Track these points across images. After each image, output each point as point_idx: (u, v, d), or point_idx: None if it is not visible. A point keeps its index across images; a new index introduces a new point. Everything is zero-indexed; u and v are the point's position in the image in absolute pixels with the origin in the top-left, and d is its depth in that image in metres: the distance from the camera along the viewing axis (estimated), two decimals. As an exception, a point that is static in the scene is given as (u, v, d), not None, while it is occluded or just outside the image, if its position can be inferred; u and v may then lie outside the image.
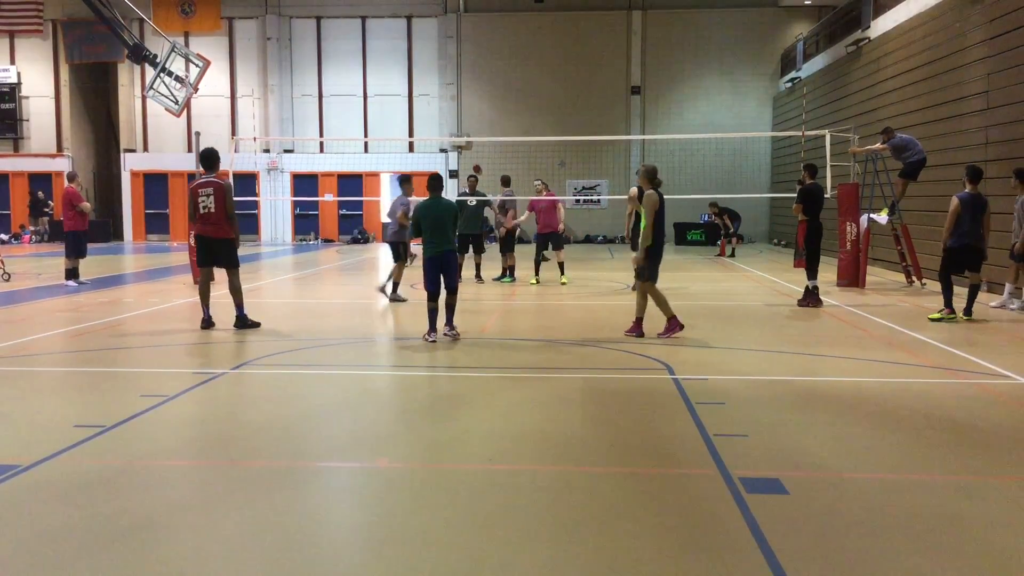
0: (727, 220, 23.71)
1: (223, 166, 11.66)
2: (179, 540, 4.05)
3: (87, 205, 15.57)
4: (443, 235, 9.49)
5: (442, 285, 9.58)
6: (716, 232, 24.60)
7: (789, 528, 4.13)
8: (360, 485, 4.97)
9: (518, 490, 4.72)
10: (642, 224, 9.65)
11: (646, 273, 9.66)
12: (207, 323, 10.26)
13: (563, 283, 15.55)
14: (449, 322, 9.62)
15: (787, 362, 8.50)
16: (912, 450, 5.47)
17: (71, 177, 16.17)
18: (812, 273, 12.23)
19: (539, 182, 16.58)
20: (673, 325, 9.62)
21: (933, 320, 10.72)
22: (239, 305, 10.32)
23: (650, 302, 9.76)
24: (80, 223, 15.47)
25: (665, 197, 9.74)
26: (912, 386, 7.32)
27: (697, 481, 4.85)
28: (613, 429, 5.98)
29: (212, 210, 10.14)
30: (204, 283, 10.48)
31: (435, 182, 9.83)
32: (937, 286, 14.79)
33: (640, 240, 9.71)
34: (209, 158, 10.49)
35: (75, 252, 15.37)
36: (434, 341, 9.35)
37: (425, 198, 9.83)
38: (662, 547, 3.96)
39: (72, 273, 15.29)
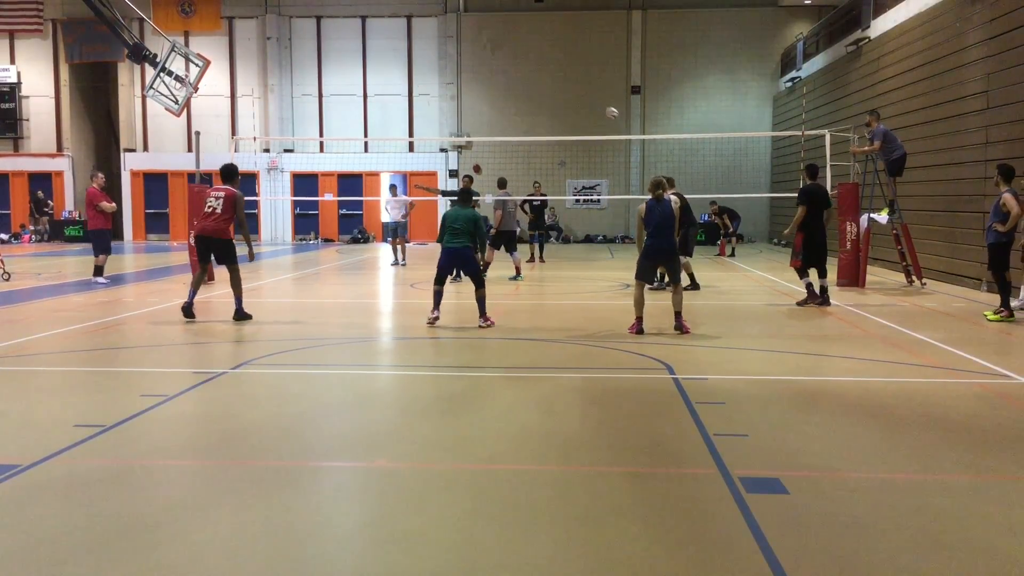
0: (727, 220, 23.70)
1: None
2: (179, 540, 4.05)
3: (107, 205, 15.84)
4: (461, 235, 10.51)
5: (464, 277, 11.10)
6: (716, 232, 24.60)
7: (789, 528, 4.13)
8: (360, 485, 4.97)
9: (518, 490, 4.71)
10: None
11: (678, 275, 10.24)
12: (187, 309, 10.65)
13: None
14: (481, 314, 10.45)
15: (787, 362, 8.50)
16: (912, 450, 5.47)
17: (92, 176, 16.65)
18: (803, 273, 12.32)
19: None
20: (633, 327, 9.89)
21: (991, 320, 10.73)
22: (238, 299, 10.75)
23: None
24: (103, 222, 15.84)
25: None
26: (913, 386, 7.32)
27: (697, 481, 4.85)
28: (613, 429, 5.98)
29: (218, 211, 10.65)
30: (199, 276, 11.01)
31: (464, 196, 11.06)
32: (937, 286, 14.87)
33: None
34: (227, 173, 10.99)
35: (105, 249, 15.80)
36: (435, 319, 10.45)
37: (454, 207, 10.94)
38: (662, 547, 3.96)
39: (99, 270, 15.70)
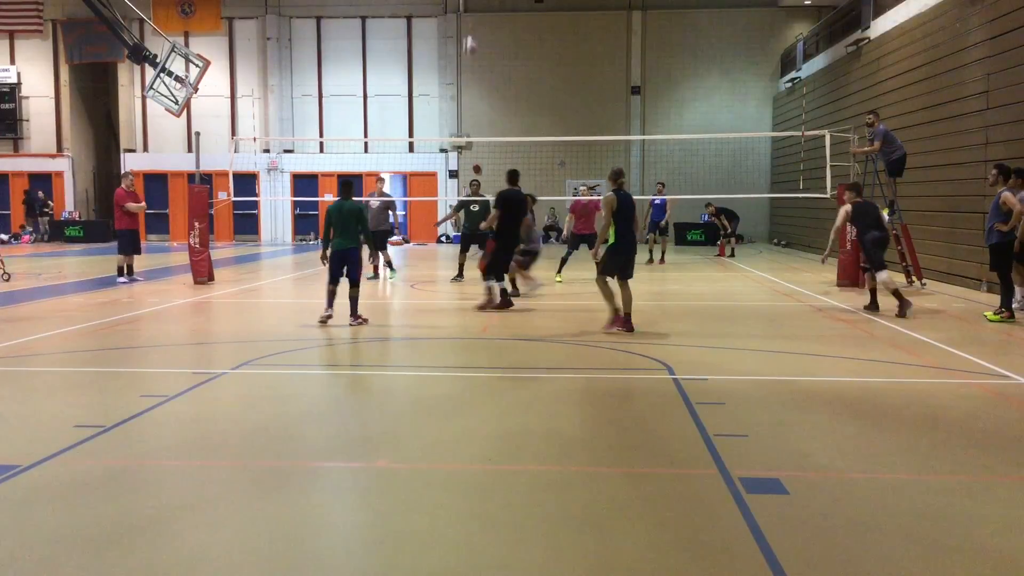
0: (725, 220, 23.70)
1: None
2: (179, 540, 4.05)
3: (134, 205, 16.10)
4: (348, 233, 10.47)
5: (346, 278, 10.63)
6: (716, 232, 24.59)
7: (789, 528, 4.13)
8: (360, 485, 4.97)
9: (518, 490, 4.72)
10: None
11: (600, 266, 10.18)
12: None
13: (558, 281, 15.77)
14: (353, 312, 10.56)
15: (787, 362, 8.50)
16: (912, 450, 5.47)
17: (122, 178, 17.10)
18: (488, 275, 11.97)
19: (584, 186, 17.41)
20: (616, 320, 9.96)
21: (991, 320, 10.64)
22: None
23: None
24: (130, 222, 16.03)
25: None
26: (912, 386, 7.32)
27: (697, 481, 4.85)
28: (613, 429, 5.98)
29: None
30: None
31: (345, 187, 10.86)
32: (937, 286, 14.85)
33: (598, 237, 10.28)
34: None
35: (126, 250, 16.01)
36: (328, 317, 10.43)
37: (336, 199, 10.82)
38: (662, 547, 3.96)
39: (125, 270, 15.95)
